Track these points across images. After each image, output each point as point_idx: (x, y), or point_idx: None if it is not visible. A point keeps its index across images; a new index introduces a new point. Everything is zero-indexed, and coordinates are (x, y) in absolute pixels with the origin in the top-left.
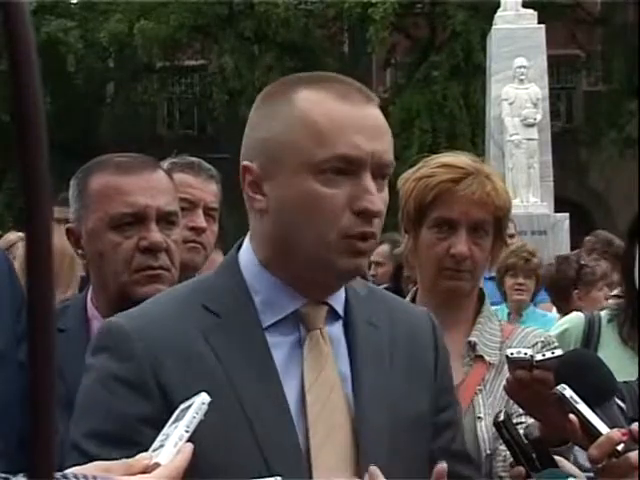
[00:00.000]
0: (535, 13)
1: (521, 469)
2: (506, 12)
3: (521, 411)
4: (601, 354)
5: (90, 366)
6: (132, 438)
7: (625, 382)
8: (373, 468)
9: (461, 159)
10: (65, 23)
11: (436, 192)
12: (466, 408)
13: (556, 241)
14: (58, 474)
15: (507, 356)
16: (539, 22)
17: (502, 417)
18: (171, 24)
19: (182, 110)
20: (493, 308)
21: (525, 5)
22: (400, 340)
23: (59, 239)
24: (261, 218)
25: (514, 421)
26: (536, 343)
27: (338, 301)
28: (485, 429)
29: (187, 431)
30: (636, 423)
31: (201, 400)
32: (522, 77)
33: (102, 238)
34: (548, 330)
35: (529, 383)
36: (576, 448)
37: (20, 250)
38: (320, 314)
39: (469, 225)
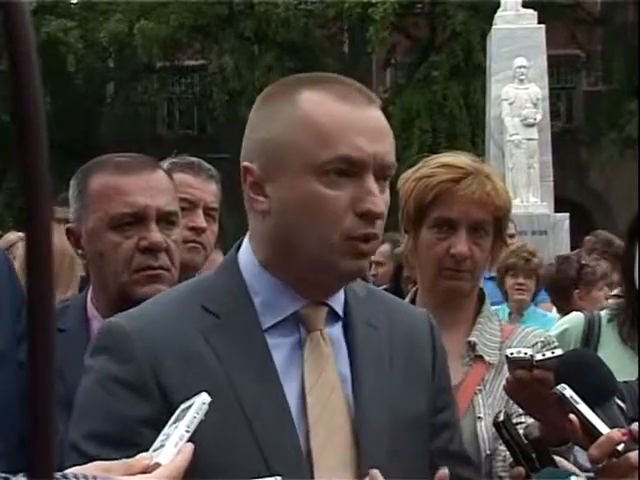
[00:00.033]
0: (535, 13)
1: (521, 469)
2: (506, 12)
3: (521, 411)
4: (601, 354)
5: (89, 367)
6: (132, 439)
7: (625, 382)
8: (374, 471)
9: (461, 159)
10: (65, 23)
11: (436, 192)
12: (466, 408)
13: (556, 241)
14: (58, 474)
15: (507, 356)
16: (539, 22)
17: (502, 417)
18: (171, 24)
19: (182, 110)
20: (494, 308)
21: (525, 5)
22: (399, 341)
23: (59, 239)
24: (262, 219)
25: (514, 421)
26: (536, 343)
27: (338, 302)
28: (485, 429)
29: (187, 431)
30: (636, 423)
31: (201, 400)
32: (522, 77)
33: (102, 238)
34: (548, 330)
35: (529, 383)
36: (576, 448)
37: (20, 250)
38: (320, 315)
39: (469, 225)
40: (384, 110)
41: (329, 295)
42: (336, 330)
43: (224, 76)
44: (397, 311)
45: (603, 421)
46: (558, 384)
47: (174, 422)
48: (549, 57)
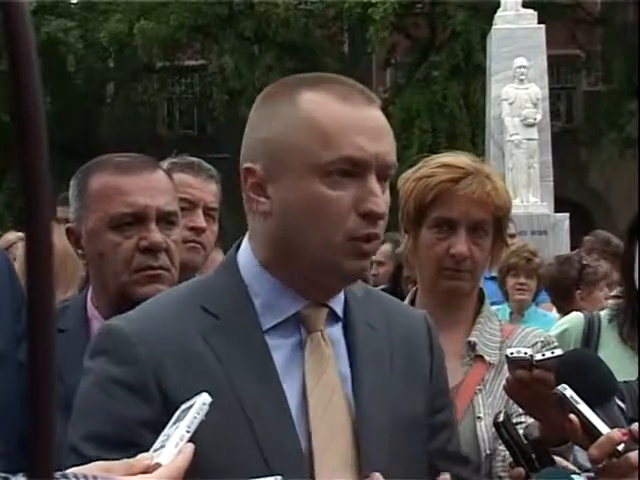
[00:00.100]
0: (535, 13)
1: (521, 470)
2: (506, 12)
3: (521, 411)
4: (601, 354)
5: (88, 369)
6: (132, 441)
7: (625, 382)
8: (376, 475)
9: (461, 159)
10: (65, 23)
11: (436, 192)
12: (466, 408)
13: (556, 241)
14: (58, 474)
15: (507, 356)
16: (539, 22)
17: (502, 418)
18: (171, 24)
19: (182, 110)
20: (494, 308)
21: (525, 5)
22: (397, 341)
23: (60, 239)
24: (264, 220)
25: (514, 421)
26: (536, 343)
27: (338, 303)
28: (485, 429)
29: (188, 431)
30: (636, 423)
31: (202, 400)
32: (522, 77)
33: (102, 238)
34: (549, 330)
35: (529, 383)
36: (576, 448)
37: (20, 250)
38: (321, 316)
39: (469, 225)
40: (384, 110)
41: (330, 296)
42: (336, 331)
43: (224, 76)
44: (395, 312)
45: (603, 421)
46: (558, 384)
47: (175, 422)
48: (549, 57)
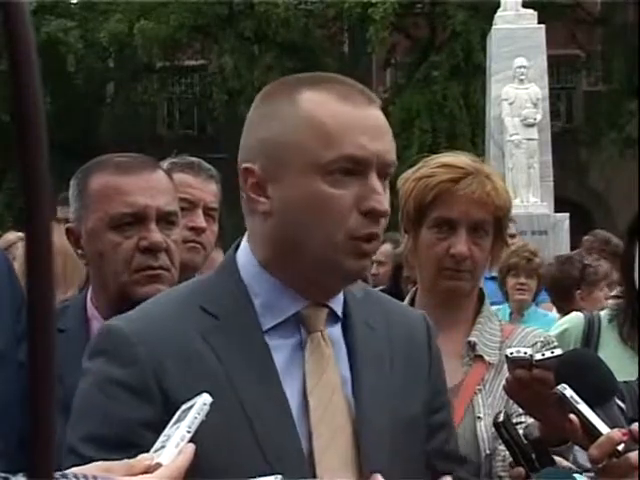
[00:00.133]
0: (535, 13)
1: (521, 470)
2: (506, 12)
3: (521, 411)
4: (601, 354)
5: (87, 370)
6: (132, 442)
7: (625, 382)
8: (377, 476)
9: (461, 159)
10: (65, 23)
11: (436, 192)
12: (465, 408)
13: (556, 241)
14: (57, 474)
15: (507, 355)
16: (539, 22)
17: (502, 418)
18: (171, 24)
19: (182, 110)
20: (495, 308)
21: (525, 5)
22: (397, 342)
23: (61, 239)
24: (263, 220)
25: (514, 421)
26: (536, 343)
27: (337, 303)
28: (484, 429)
29: (189, 432)
30: (636, 423)
31: (203, 401)
32: (522, 77)
33: (102, 238)
34: (549, 330)
35: (529, 382)
36: (576, 448)
37: (20, 250)
38: (321, 316)
39: (469, 225)
40: (384, 110)
41: (330, 296)
42: (336, 331)
43: (224, 76)
44: (394, 312)
45: (603, 421)
46: (558, 384)
47: (175, 423)
48: (549, 57)
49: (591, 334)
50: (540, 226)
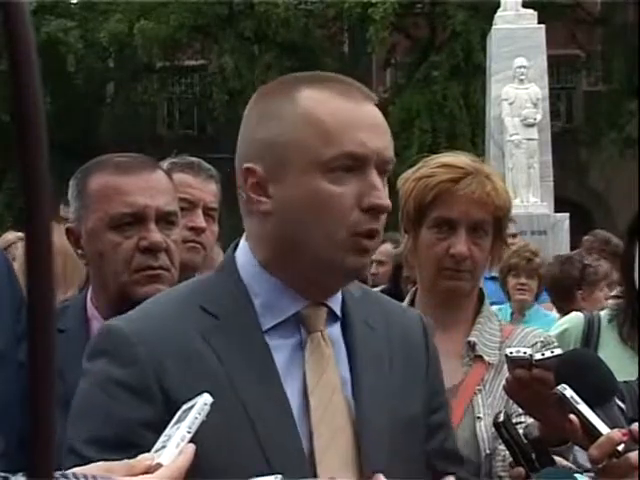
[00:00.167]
0: (535, 13)
1: (521, 470)
2: (506, 12)
3: (521, 411)
4: (601, 354)
5: (88, 371)
6: (134, 442)
7: (625, 382)
8: (378, 476)
9: (461, 159)
10: (65, 23)
11: (436, 192)
12: (465, 408)
13: (556, 241)
14: (57, 473)
15: (506, 355)
16: (539, 22)
17: (502, 418)
18: (171, 24)
19: (182, 110)
20: (496, 308)
21: (525, 5)
22: (396, 342)
23: (62, 238)
24: (264, 220)
25: (514, 421)
26: (535, 343)
27: (336, 302)
28: (484, 429)
29: (189, 432)
30: (636, 423)
31: (203, 401)
32: (522, 77)
33: (102, 238)
34: (550, 330)
35: (528, 382)
36: (576, 448)
37: (19, 250)
38: (321, 316)
39: (469, 225)
40: (384, 110)
41: (329, 295)
42: (335, 330)
43: (224, 76)
44: (392, 312)
45: (603, 421)
46: (558, 384)
47: (176, 423)
48: (549, 57)
49: (591, 334)
50: (540, 226)
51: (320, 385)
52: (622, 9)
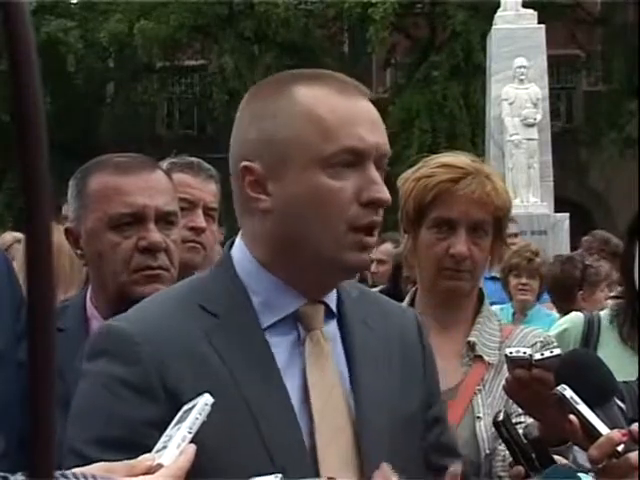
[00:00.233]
0: (535, 13)
1: (520, 469)
2: (506, 12)
3: (520, 411)
4: (601, 354)
5: (88, 371)
6: (138, 442)
7: (625, 382)
8: (384, 464)
9: (461, 159)
10: (65, 23)
11: (435, 192)
12: (465, 408)
13: (556, 241)
14: (57, 473)
15: (506, 355)
16: (539, 22)
17: (501, 417)
18: (171, 24)
19: (182, 110)
20: (498, 307)
21: (525, 5)
22: (394, 341)
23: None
24: (263, 218)
25: (513, 421)
26: (535, 343)
27: (332, 299)
28: (484, 429)
29: (190, 432)
30: (636, 424)
31: (204, 401)
32: (522, 77)
33: (101, 238)
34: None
35: (528, 382)
36: (576, 448)
37: (18, 251)
38: (319, 313)
39: (468, 225)
40: (384, 110)
41: (327, 292)
42: (332, 328)
43: (224, 76)
44: (390, 312)
45: (603, 422)
46: (558, 384)
47: (177, 423)
48: (549, 57)
49: (590, 334)
50: (540, 226)
51: (320, 383)
52: (622, 9)
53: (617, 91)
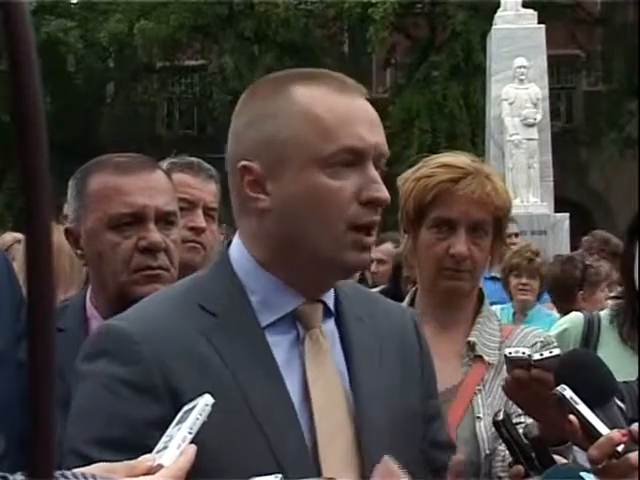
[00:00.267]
0: (535, 13)
1: (520, 468)
2: (506, 12)
3: (520, 411)
4: (601, 354)
5: (88, 371)
6: (139, 442)
7: (625, 382)
8: (387, 457)
9: (461, 159)
10: (65, 23)
11: (435, 192)
12: (465, 408)
13: (556, 241)
14: (57, 473)
15: (505, 355)
16: (539, 22)
17: (501, 416)
18: (171, 24)
19: (182, 110)
20: (499, 307)
21: (525, 5)
22: (389, 338)
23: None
24: (261, 218)
25: (513, 421)
26: (535, 343)
27: (329, 297)
28: (484, 429)
29: (190, 433)
30: (636, 424)
31: (204, 401)
32: (522, 77)
33: (101, 238)
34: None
35: (527, 382)
36: (576, 448)
37: (19, 251)
38: (317, 312)
39: (468, 225)
40: (384, 110)
41: (325, 291)
42: (330, 326)
43: (224, 76)
44: (385, 309)
45: (603, 422)
46: (558, 385)
47: (177, 423)
48: (549, 57)
49: (590, 334)
50: (540, 226)
51: (320, 381)
52: (622, 9)
53: (617, 91)
